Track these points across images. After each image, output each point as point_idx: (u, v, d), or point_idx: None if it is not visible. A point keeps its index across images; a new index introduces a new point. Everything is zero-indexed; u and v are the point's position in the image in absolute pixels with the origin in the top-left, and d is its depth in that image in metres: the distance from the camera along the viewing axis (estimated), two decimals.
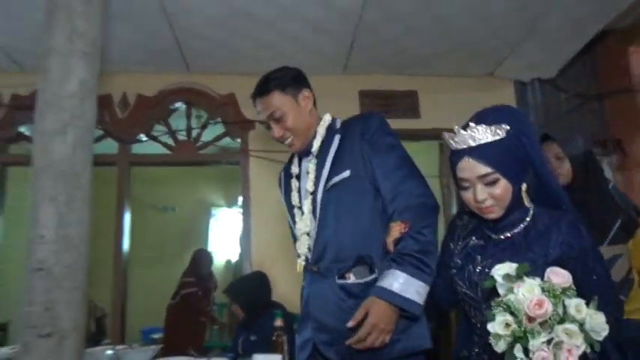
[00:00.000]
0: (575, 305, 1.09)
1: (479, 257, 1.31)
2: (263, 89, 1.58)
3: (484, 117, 1.26)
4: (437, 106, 3.66)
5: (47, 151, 1.54)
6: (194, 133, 3.67)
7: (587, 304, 1.18)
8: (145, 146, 3.66)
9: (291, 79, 1.60)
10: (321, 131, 1.61)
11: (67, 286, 1.55)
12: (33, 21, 2.72)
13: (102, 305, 4.63)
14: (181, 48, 3.23)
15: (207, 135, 3.68)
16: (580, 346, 1.06)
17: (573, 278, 1.18)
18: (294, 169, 1.68)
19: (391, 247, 1.41)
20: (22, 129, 3.47)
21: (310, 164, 1.59)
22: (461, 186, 1.28)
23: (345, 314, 1.41)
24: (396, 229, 1.42)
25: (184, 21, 2.91)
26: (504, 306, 1.12)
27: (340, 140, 1.57)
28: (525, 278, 1.13)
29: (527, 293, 1.10)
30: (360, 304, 1.38)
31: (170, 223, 6.13)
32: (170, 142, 3.63)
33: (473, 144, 1.23)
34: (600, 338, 1.08)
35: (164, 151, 3.64)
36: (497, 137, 1.22)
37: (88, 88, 1.60)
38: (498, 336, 1.11)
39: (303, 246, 1.57)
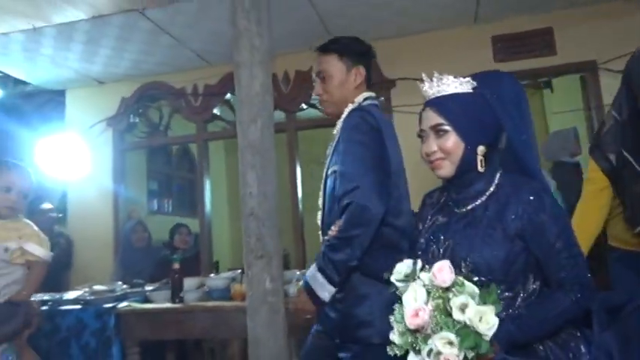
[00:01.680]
0: (460, 305, 1.02)
1: (442, 236, 1.24)
2: (324, 47, 1.67)
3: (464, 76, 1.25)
4: (573, 39, 3.67)
5: (246, 135, 2.25)
6: None
7: (550, 283, 1.15)
8: (306, 113, 4.39)
9: (353, 51, 1.65)
10: (343, 115, 1.65)
11: (268, 224, 2.27)
12: (215, 30, 3.55)
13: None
14: (326, 27, 3.80)
15: None
16: (459, 355, 0.99)
17: (534, 254, 1.15)
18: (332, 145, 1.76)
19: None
20: (215, 110, 4.44)
21: (330, 146, 1.71)
22: (420, 137, 1.28)
23: None
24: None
25: (326, 4, 3.46)
26: (398, 315, 1.08)
27: (340, 131, 1.62)
28: (417, 279, 1.07)
29: (412, 300, 1.05)
30: None
31: None
32: None
33: (436, 95, 1.23)
34: (488, 337, 1.01)
35: (322, 115, 4.34)
36: (459, 91, 1.20)
37: (266, 87, 2.25)
38: (394, 344, 1.10)
39: (319, 219, 1.74)
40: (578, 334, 1.16)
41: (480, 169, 1.22)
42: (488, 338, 1.00)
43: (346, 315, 1.51)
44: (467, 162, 1.21)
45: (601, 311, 1.15)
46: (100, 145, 4.59)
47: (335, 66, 1.63)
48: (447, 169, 1.23)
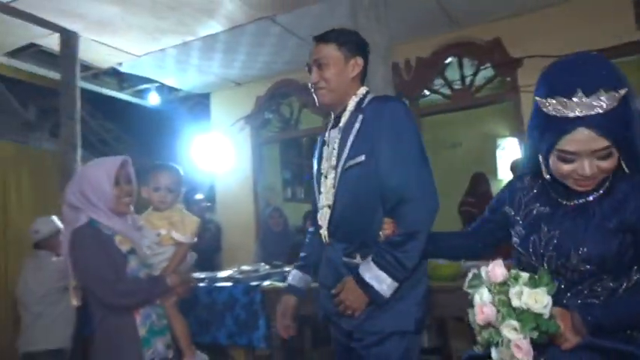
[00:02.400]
0: (516, 293, 1.08)
1: (545, 227, 1.21)
2: (323, 36, 1.63)
3: (597, 78, 1.06)
4: None
5: None
6: (467, 80, 4.21)
7: None
8: (429, 99, 4.41)
9: (352, 42, 1.63)
10: (350, 106, 1.62)
11: None
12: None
13: None
14: (447, 12, 3.79)
15: (480, 79, 4.17)
16: (526, 337, 1.06)
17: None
18: (327, 136, 1.70)
19: (382, 240, 1.49)
20: None
21: (336, 139, 1.62)
22: (562, 158, 1.11)
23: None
24: (386, 227, 1.48)
25: None
26: (471, 318, 1.16)
27: (362, 122, 1.57)
28: (481, 283, 1.14)
29: (478, 300, 1.14)
30: None
31: (458, 158, 6.78)
32: (447, 92, 4.28)
33: (591, 112, 1.04)
34: (546, 315, 1.06)
35: (446, 100, 4.33)
36: (615, 104, 1.05)
37: (387, 81, 2.39)
38: (478, 343, 1.18)
39: (325, 219, 1.61)
40: None
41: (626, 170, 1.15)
42: (546, 316, 1.06)
43: (384, 308, 1.50)
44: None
45: None
46: (240, 141, 5.10)
47: (333, 55, 1.60)
48: (594, 185, 1.15)
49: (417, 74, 4.28)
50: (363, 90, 1.64)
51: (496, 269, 1.12)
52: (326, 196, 1.61)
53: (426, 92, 4.36)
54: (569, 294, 1.16)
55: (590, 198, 1.17)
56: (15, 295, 3.24)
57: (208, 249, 4.64)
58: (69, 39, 3.78)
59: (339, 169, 1.57)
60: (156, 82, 5.06)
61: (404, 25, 3.87)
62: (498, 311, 1.10)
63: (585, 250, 1.12)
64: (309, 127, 5.17)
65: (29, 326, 3.09)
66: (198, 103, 5.58)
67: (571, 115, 1.05)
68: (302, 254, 1.84)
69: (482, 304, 1.12)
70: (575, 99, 1.05)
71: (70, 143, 3.75)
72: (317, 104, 1.66)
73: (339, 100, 1.62)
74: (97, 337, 1.87)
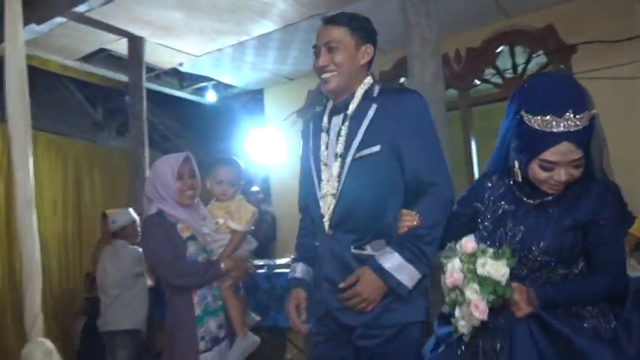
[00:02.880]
0: (481, 263, 1.28)
1: (510, 223, 1.37)
2: (334, 19, 1.57)
3: (578, 100, 1.25)
4: None
5: None
6: (519, 68, 4.19)
7: (592, 266, 1.35)
8: (479, 89, 4.42)
9: (364, 29, 1.58)
10: (359, 93, 1.57)
11: None
12: (388, 21, 3.82)
13: None
14: (496, 0, 3.79)
15: (533, 67, 4.14)
16: (484, 299, 1.26)
17: (587, 240, 1.33)
18: (325, 123, 1.63)
19: (402, 231, 1.48)
20: None
21: (343, 126, 1.56)
22: (543, 166, 1.28)
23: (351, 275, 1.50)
24: (408, 219, 1.46)
25: None
26: (442, 283, 1.38)
27: (376, 112, 1.53)
28: (455, 254, 1.34)
29: (450, 267, 1.34)
30: None
31: None
32: (499, 81, 4.27)
33: (574, 129, 1.23)
34: (503, 282, 1.26)
35: (497, 90, 4.32)
36: (590, 123, 1.25)
37: (437, 76, 2.47)
38: (445, 303, 1.40)
39: (328, 208, 1.55)
40: (610, 309, 1.35)
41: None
42: (503, 283, 1.26)
43: (401, 300, 1.47)
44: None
45: (636, 294, 1.32)
46: (293, 134, 5.27)
47: (344, 39, 1.54)
48: (563, 189, 1.33)
49: (468, 64, 4.30)
50: (370, 79, 1.60)
51: (468, 242, 1.33)
52: (329, 185, 1.55)
53: (477, 82, 4.36)
54: (528, 280, 1.35)
55: (550, 198, 1.35)
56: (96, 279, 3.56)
57: (265, 238, 4.86)
58: (136, 44, 4.07)
59: (348, 158, 1.52)
60: (213, 80, 5.31)
61: (454, 16, 3.90)
62: (465, 277, 1.30)
63: (545, 244, 1.32)
64: None
65: (108, 308, 3.38)
66: (253, 98, 5.80)
67: (556, 130, 1.24)
68: (301, 246, 1.75)
69: (453, 270, 1.32)
70: (565, 117, 1.23)
71: (139, 141, 4.05)
72: (323, 89, 1.61)
73: (347, 87, 1.57)
74: (166, 315, 2.10)
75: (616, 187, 1.39)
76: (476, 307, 1.26)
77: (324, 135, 1.61)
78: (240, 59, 4.68)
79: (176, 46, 4.29)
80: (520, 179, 1.36)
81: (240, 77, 5.22)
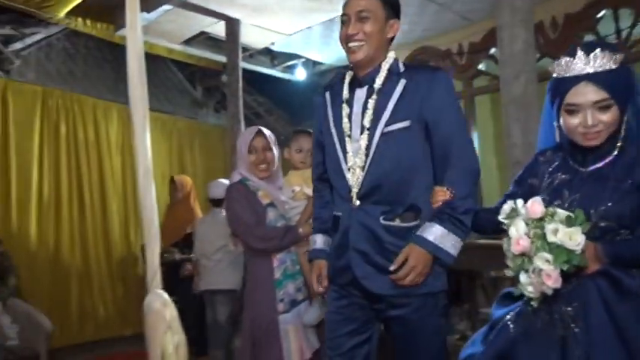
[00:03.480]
0: (552, 230, 1.20)
1: (566, 192, 1.35)
2: None
3: (595, 42, 1.31)
4: None
5: (509, 92, 2.49)
6: (624, 33, 3.91)
7: None
8: None
9: (394, 3, 1.60)
10: (385, 67, 1.59)
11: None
12: None
13: None
14: None
15: (638, 33, 3.85)
16: (556, 268, 1.19)
17: None
18: (345, 94, 1.64)
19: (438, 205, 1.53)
20: (480, 66, 4.66)
21: (370, 100, 1.58)
22: (569, 111, 1.30)
23: (386, 252, 1.54)
24: (441, 195, 1.52)
25: None
26: (506, 246, 1.29)
27: (405, 87, 1.55)
28: (518, 215, 1.26)
29: (514, 232, 1.26)
30: (400, 244, 1.52)
31: None
32: None
33: (591, 70, 1.26)
34: (578, 251, 1.19)
35: None
36: (615, 66, 1.26)
37: (528, 44, 2.43)
38: (509, 267, 1.31)
39: (358, 180, 1.57)
40: None
41: (623, 133, 1.33)
42: (578, 252, 1.19)
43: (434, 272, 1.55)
44: (618, 130, 1.31)
45: None
46: None
47: (377, 10, 1.54)
48: (602, 139, 1.30)
49: (565, 31, 4.09)
50: (393, 54, 1.63)
51: (535, 205, 1.25)
52: (357, 157, 1.57)
53: None
54: None
55: (602, 164, 1.33)
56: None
57: None
58: (233, 26, 4.34)
59: (377, 132, 1.55)
60: (302, 57, 5.50)
61: None
62: (533, 243, 1.23)
63: (603, 208, 1.28)
64: None
65: (208, 270, 3.72)
66: (339, 74, 5.91)
67: (575, 73, 1.28)
68: (319, 219, 1.81)
69: (519, 237, 1.24)
70: (577, 57, 1.28)
71: (235, 118, 4.36)
72: (350, 60, 1.59)
73: (374, 59, 1.57)
74: (247, 278, 2.28)
75: None
76: (548, 276, 1.21)
77: (345, 106, 1.62)
78: (329, 36, 4.80)
79: (269, 26, 4.50)
80: (566, 143, 1.38)
81: (328, 54, 5.35)
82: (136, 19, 2.76)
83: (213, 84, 6.32)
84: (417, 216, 1.55)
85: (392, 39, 1.62)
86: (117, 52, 5.08)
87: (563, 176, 1.38)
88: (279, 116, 6.98)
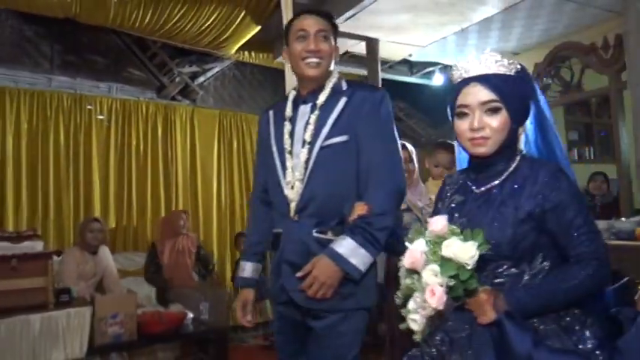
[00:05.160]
0: (447, 244, 1.10)
1: (457, 215, 1.27)
2: (325, 14, 1.65)
3: (489, 51, 1.24)
4: None
5: None
6: None
7: (566, 258, 1.14)
8: None
9: (337, 29, 1.67)
10: (329, 86, 1.64)
11: None
12: None
13: None
14: None
15: None
16: (443, 285, 1.07)
17: (551, 231, 1.15)
18: (288, 112, 1.68)
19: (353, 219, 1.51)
20: None
21: (312, 115, 1.61)
22: (460, 113, 1.23)
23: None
24: (359, 210, 1.51)
25: None
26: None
27: (345, 104, 1.59)
28: (421, 236, 1.16)
29: (410, 246, 1.17)
30: None
31: None
32: None
33: (482, 72, 1.21)
34: (469, 266, 1.07)
35: None
36: (507, 72, 1.21)
37: None
38: (400, 289, 1.20)
39: (297, 194, 1.58)
40: (585, 319, 1.16)
41: (521, 148, 1.27)
42: (469, 268, 1.08)
43: (352, 285, 1.52)
44: (508, 143, 1.23)
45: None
46: None
47: (331, 34, 1.63)
48: (490, 147, 1.21)
49: None
50: (337, 73, 1.68)
51: (438, 221, 1.17)
52: (296, 172, 1.59)
53: None
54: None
55: (495, 182, 1.23)
56: None
57: None
58: (372, 44, 4.83)
59: (317, 145, 1.57)
60: (439, 63, 5.77)
61: None
62: (427, 259, 1.13)
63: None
64: (594, 87, 5.04)
65: None
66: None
67: (466, 75, 1.23)
68: (251, 240, 1.80)
69: (414, 250, 1.15)
70: (470, 61, 1.24)
71: None
72: (305, 75, 1.62)
73: (324, 77, 1.63)
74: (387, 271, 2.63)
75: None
76: (432, 293, 1.09)
77: (287, 124, 1.66)
78: (464, 44, 5.02)
79: (405, 41, 4.89)
80: (468, 161, 1.33)
81: (464, 59, 5.53)
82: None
83: None
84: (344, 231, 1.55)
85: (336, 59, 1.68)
86: (276, 75, 5.90)
87: (459, 198, 1.31)
88: (419, 119, 7.30)
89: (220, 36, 4.64)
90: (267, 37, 4.96)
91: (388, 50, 5.10)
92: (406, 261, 1.17)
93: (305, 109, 1.65)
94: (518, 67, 1.24)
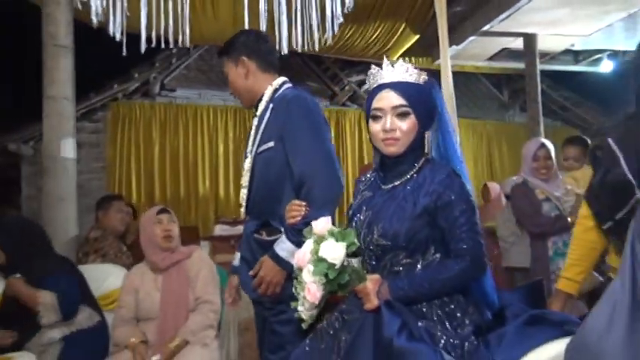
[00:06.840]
0: (324, 245, 1.24)
1: (364, 208, 1.39)
2: (220, 52, 1.81)
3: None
4: None
5: None
6: None
7: (449, 251, 1.29)
8: None
9: (233, 47, 1.77)
10: (266, 96, 1.77)
11: None
12: None
13: None
14: None
15: None
16: (316, 282, 1.22)
17: (441, 226, 1.29)
18: (255, 121, 1.81)
19: (289, 222, 1.59)
20: None
21: (254, 124, 1.79)
22: (374, 115, 1.35)
23: (256, 263, 1.66)
24: (296, 210, 1.58)
25: None
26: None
27: (271, 111, 1.72)
28: (311, 237, 1.30)
29: (303, 248, 1.32)
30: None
31: None
32: None
33: (394, 79, 1.34)
34: (336, 265, 1.21)
35: None
36: (417, 81, 1.35)
37: None
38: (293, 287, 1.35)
39: (244, 197, 1.76)
40: (466, 307, 1.31)
41: (427, 151, 1.39)
42: (337, 267, 1.23)
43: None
44: (416, 145, 1.36)
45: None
46: None
47: (228, 67, 1.82)
48: (399, 148, 1.33)
49: None
50: (279, 80, 1.78)
51: (320, 222, 1.32)
52: (245, 176, 1.76)
53: None
54: (378, 271, 1.34)
55: (401, 181, 1.36)
56: None
57: None
58: (529, 40, 4.95)
59: (254, 153, 1.74)
60: (607, 50, 5.57)
61: None
62: (310, 257, 1.28)
63: (382, 226, 1.30)
64: None
65: (509, 249, 4.35)
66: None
67: (381, 81, 1.35)
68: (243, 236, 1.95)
69: (301, 250, 1.33)
70: (383, 69, 1.35)
71: (535, 120, 4.98)
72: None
73: (251, 97, 1.79)
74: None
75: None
76: (308, 290, 1.25)
77: (251, 133, 1.82)
78: (634, 28, 4.82)
79: (565, 32, 4.90)
80: (378, 161, 1.43)
81: (636, 42, 5.25)
82: (445, 52, 3.93)
83: (519, 85, 6.91)
84: (281, 230, 1.65)
85: (261, 67, 1.78)
86: (434, 77, 6.32)
87: (368, 193, 1.43)
88: (588, 107, 7.01)
89: (384, 46, 5.23)
90: (426, 43, 5.41)
91: (548, 42, 5.13)
92: (295, 262, 1.37)
93: (255, 120, 1.81)
94: (426, 77, 1.39)
